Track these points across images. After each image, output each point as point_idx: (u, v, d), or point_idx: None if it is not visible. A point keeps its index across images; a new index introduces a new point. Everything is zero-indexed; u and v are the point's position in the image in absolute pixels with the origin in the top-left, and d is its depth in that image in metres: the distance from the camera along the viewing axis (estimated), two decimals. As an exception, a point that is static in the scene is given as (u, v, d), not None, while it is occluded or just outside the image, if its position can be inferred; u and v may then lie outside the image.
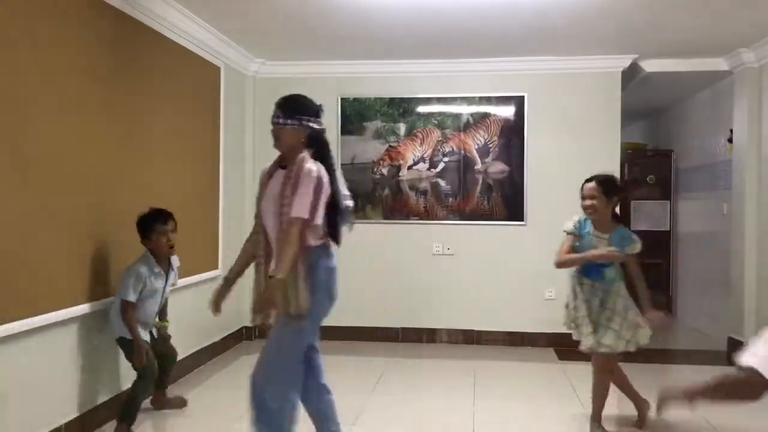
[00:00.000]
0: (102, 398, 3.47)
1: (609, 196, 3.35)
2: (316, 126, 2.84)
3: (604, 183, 3.39)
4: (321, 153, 2.83)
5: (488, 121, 5.55)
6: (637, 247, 3.32)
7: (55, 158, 3.04)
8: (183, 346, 4.44)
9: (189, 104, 4.48)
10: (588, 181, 3.46)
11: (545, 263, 5.48)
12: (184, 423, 3.61)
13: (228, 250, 5.15)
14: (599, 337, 3.31)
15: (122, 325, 3.34)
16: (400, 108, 5.62)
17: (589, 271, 3.41)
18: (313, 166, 2.66)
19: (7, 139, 2.74)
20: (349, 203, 2.92)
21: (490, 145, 5.55)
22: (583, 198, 3.43)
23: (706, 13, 4.17)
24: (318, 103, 2.92)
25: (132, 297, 3.33)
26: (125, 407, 3.32)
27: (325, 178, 2.69)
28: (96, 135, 3.37)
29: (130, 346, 3.36)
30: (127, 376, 3.69)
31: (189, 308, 4.43)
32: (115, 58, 3.54)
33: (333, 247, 2.85)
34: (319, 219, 2.66)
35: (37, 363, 2.98)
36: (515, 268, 5.47)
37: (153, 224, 3.45)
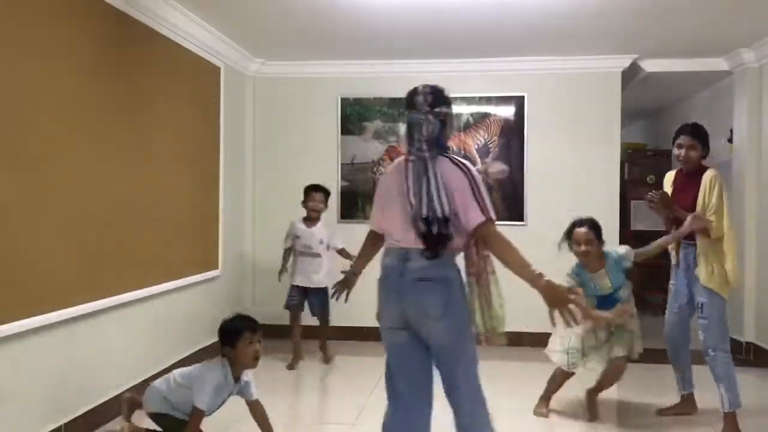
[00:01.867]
0: (102, 398, 3.47)
1: (600, 239, 3.53)
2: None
3: (596, 227, 3.54)
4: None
5: (488, 121, 5.54)
6: (630, 255, 3.55)
7: (54, 158, 3.04)
8: (183, 345, 4.44)
9: (189, 104, 4.48)
10: (578, 225, 3.53)
11: (545, 263, 5.47)
12: (184, 423, 3.60)
13: (228, 250, 5.16)
14: (613, 353, 3.55)
15: (172, 408, 3.06)
16: (400, 108, 5.61)
17: (603, 306, 3.56)
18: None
19: (7, 139, 2.74)
20: None
21: (490, 145, 5.55)
22: (578, 244, 3.52)
23: (706, 13, 4.17)
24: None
25: (206, 407, 2.98)
26: None
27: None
28: (96, 135, 3.37)
29: (168, 424, 3.05)
30: (129, 374, 3.69)
31: (189, 308, 4.43)
32: (115, 58, 3.54)
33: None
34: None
35: (37, 363, 2.98)
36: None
37: (241, 332, 3.04)
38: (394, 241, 2.44)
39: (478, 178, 2.41)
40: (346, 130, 5.69)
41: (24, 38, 2.84)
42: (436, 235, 2.28)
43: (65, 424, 3.17)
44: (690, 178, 3.55)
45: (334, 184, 5.68)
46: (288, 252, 4.85)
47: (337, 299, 2.88)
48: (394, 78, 5.61)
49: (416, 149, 2.40)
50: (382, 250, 2.57)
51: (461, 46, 5.06)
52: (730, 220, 3.35)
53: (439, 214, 2.27)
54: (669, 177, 3.77)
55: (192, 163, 4.52)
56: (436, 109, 2.51)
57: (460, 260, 2.45)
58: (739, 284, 3.51)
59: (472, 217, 2.32)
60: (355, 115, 5.68)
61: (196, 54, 4.58)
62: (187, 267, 4.40)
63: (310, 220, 4.80)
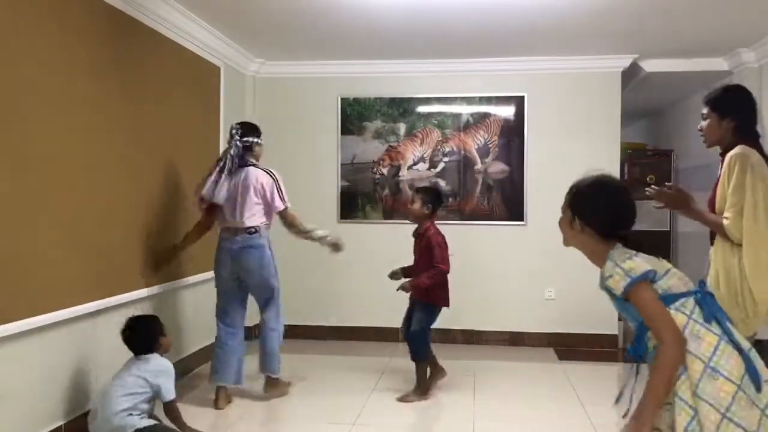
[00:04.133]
0: (102, 398, 3.47)
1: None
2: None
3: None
4: None
5: (488, 121, 5.55)
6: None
7: (54, 158, 3.04)
8: (184, 345, 4.44)
9: (189, 104, 4.48)
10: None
11: (545, 263, 5.51)
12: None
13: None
14: None
15: (148, 416, 3.08)
16: (400, 108, 5.62)
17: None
18: None
19: (7, 139, 2.74)
20: None
21: (490, 145, 5.55)
22: None
23: (706, 13, 4.17)
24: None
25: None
26: None
27: None
28: (95, 135, 3.37)
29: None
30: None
31: (190, 308, 4.43)
32: (115, 57, 3.54)
33: None
34: None
35: (37, 363, 2.98)
36: (515, 268, 5.47)
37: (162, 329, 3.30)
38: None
39: (281, 179, 3.97)
40: (346, 130, 5.69)
41: (24, 38, 2.83)
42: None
43: (65, 424, 3.17)
44: (722, 162, 2.67)
45: (334, 184, 5.69)
46: None
47: None
48: (394, 78, 5.62)
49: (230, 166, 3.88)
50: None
51: (461, 46, 5.06)
52: (755, 217, 2.41)
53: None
54: None
55: (192, 163, 4.51)
56: (244, 138, 3.91)
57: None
58: None
59: (276, 205, 3.93)
60: (355, 115, 5.68)
61: (196, 54, 4.58)
62: (187, 267, 4.40)
63: None
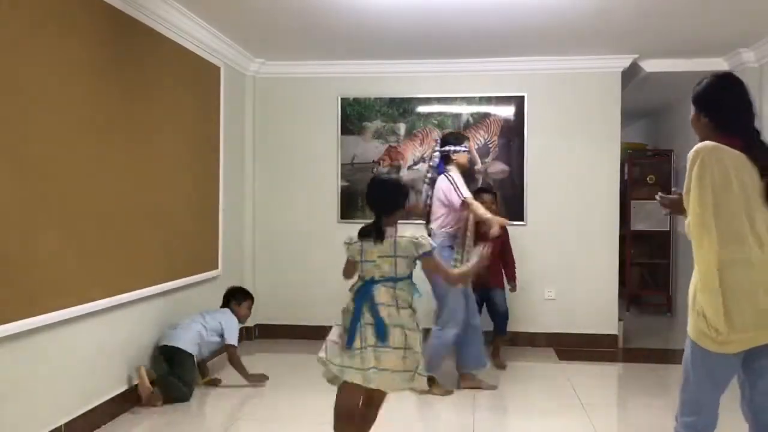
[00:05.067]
0: (102, 398, 3.47)
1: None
2: None
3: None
4: None
5: (488, 121, 5.55)
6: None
7: (54, 158, 3.04)
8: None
9: (189, 104, 4.48)
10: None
11: (545, 263, 5.52)
12: (184, 421, 3.61)
13: (228, 250, 5.16)
14: None
15: (194, 344, 3.95)
16: (400, 108, 5.62)
17: None
18: None
19: (7, 139, 2.74)
20: None
21: (490, 145, 5.55)
22: None
23: (706, 13, 4.17)
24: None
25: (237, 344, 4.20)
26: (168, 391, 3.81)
27: None
28: (95, 135, 3.37)
29: (186, 361, 3.89)
30: (129, 374, 3.69)
31: (190, 308, 4.43)
32: (115, 57, 3.54)
33: None
34: None
35: (37, 363, 2.98)
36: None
37: (249, 298, 4.48)
38: None
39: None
40: (346, 130, 5.69)
41: (23, 38, 2.83)
42: None
43: (65, 424, 3.17)
44: None
45: (334, 184, 5.69)
46: None
47: None
48: (394, 78, 5.62)
49: None
50: None
51: (461, 46, 5.06)
52: (701, 219, 2.06)
53: None
54: None
55: (192, 163, 4.52)
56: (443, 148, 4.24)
57: None
58: (721, 333, 2.00)
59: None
60: (355, 115, 5.68)
61: (196, 54, 4.58)
62: (187, 267, 4.40)
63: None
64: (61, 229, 3.09)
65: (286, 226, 5.68)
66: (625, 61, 5.33)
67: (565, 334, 5.39)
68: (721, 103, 2.22)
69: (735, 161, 2.08)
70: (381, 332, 2.55)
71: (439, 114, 5.59)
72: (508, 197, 5.52)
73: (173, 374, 3.85)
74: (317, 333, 5.28)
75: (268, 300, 5.60)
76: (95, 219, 3.36)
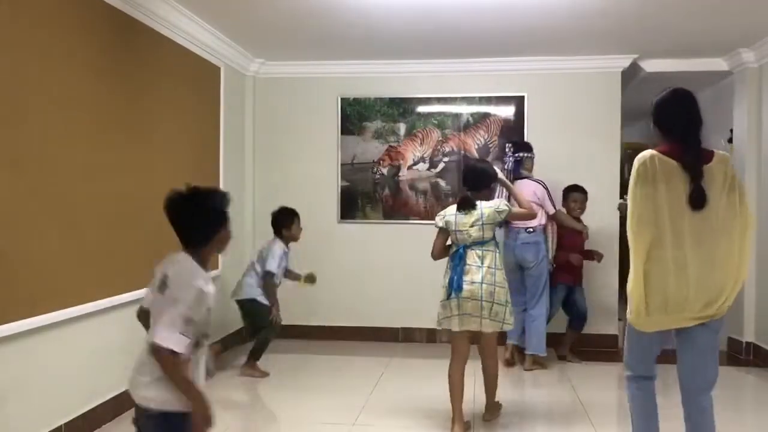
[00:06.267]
0: (102, 398, 3.47)
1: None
2: None
3: None
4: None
5: (488, 121, 5.55)
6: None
7: (54, 158, 3.04)
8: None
9: (189, 104, 4.48)
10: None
11: (545, 263, 5.51)
12: (184, 423, 3.61)
13: (228, 250, 5.14)
14: None
15: (256, 288, 4.44)
16: (400, 108, 5.62)
17: None
18: None
19: (7, 139, 2.74)
20: None
21: (490, 145, 5.55)
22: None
23: (706, 13, 4.17)
24: None
25: (275, 270, 4.44)
26: (257, 347, 4.43)
27: None
28: (96, 135, 3.37)
29: (256, 308, 4.44)
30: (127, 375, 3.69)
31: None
32: (115, 58, 3.54)
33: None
34: None
35: (37, 363, 2.99)
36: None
37: (295, 216, 4.61)
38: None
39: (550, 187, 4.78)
40: (346, 130, 5.69)
41: (24, 38, 2.84)
42: None
43: (65, 424, 3.17)
44: None
45: (334, 184, 5.69)
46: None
47: None
48: (394, 78, 5.62)
49: None
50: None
51: (461, 46, 5.06)
52: (633, 222, 2.44)
53: None
54: None
55: (192, 163, 4.52)
56: (516, 154, 4.79)
57: None
58: (641, 315, 2.45)
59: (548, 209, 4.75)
60: (355, 115, 5.68)
61: (196, 54, 4.58)
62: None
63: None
64: (61, 229, 3.09)
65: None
66: (625, 61, 5.33)
67: (565, 334, 5.39)
68: (667, 116, 2.52)
69: (668, 168, 2.39)
70: (459, 285, 3.26)
71: (439, 114, 5.59)
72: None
73: (252, 324, 4.53)
74: (317, 333, 5.32)
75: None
76: (95, 219, 3.36)
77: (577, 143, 5.42)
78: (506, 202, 3.46)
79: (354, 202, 5.68)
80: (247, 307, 4.52)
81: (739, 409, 4.10)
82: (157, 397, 1.91)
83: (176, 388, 1.87)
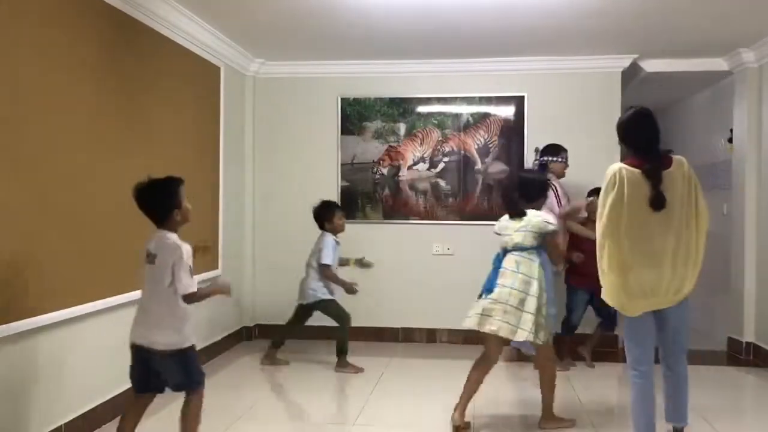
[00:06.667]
0: (102, 398, 3.48)
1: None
2: None
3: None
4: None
5: (488, 121, 5.55)
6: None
7: (54, 158, 3.04)
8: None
9: (189, 104, 4.49)
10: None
11: (545, 263, 5.51)
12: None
13: (227, 250, 5.16)
14: None
15: (322, 287, 4.62)
16: (400, 108, 5.62)
17: None
18: None
19: (7, 139, 2.74)
20: None
21: (490, 145, 5.55)
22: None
23: (706, 13, 4.18)
24: None
25: (331, 261, 4.60)
26: (342, 345, 4.63)
27: None
28: (96, 135, 3.37)
29: (323, 306, 4.63)
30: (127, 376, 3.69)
31: (189, 308, 4.43)
32: (115, 58, 3.54)
33: None
34: None
35: (37, 363, 2.99)
36: (515, 268, 5.47)
37: (335, 211, 4.75)
38: None
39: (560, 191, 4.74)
40: (346, 130, 5.69)
41: (24, 38, 2.84)
42: None
43: (65, 424, 3.17)
44: None
45: (334, 184, 5.69)
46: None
47: None
48: (394, 78, 5.62)
49: None
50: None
51: (461, 46, 5.06)
52: (603, 225, 2.84)
53: None
54: None
55: (192, 163, 4.51)
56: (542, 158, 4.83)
57: None
58: (623, 301, 2.85)
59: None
60: (355, 115, 5.68)
61: (197, 54, 4.58)
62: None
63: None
64: (62, 229, 3.09)
65: (286, 226, 5.68)
66: (625, 61, 5.33)
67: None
68: (630, 134, 2.93)
69: (633, 177, 2.78)
70: (491, 287, 3.35)
71: (439, 114, 5.59)
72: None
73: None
74: (317, 333, 5.31)
75: (268, 300, 5.60)
76: (96, 219, 3.36)
77: (577, 143, 5.41)
78: (555, 224, 3.51)
79: (354, 202, 5.68)
80: (317, 308, 4.69)
81: (739, 409, 4.10)
82: (176, 341, 2.69)
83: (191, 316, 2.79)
